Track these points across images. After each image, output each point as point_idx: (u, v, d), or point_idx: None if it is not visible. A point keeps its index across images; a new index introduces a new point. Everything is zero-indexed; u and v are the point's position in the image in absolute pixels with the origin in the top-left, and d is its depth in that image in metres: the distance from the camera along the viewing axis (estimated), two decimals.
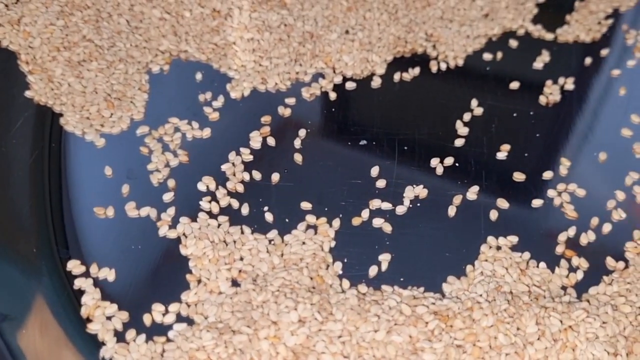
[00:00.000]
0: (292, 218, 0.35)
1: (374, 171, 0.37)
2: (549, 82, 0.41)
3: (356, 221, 0.35)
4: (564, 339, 0.30)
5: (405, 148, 0.38)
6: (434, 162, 0.37)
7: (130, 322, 0.32)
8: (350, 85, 0.41)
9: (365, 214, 0.35)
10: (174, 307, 0.32)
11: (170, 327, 0.31)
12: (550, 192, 0.36)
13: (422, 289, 0.33)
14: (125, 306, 0.32)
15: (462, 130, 0.39)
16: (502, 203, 0.36)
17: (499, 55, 0.43)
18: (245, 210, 0.35)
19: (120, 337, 0.31)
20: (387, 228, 0.35)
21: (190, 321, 0.32)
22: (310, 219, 0.35)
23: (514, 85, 0.41)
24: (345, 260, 0.34)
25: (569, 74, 0.42)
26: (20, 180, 0.36)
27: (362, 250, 0.34)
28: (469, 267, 0.33)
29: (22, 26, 0.41)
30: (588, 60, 0.43)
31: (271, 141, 0.38)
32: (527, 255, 0.34)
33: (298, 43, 0.42)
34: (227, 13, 0.43)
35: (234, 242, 0.34)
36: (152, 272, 0.33)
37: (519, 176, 0.37)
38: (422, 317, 0.31)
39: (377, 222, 0.35)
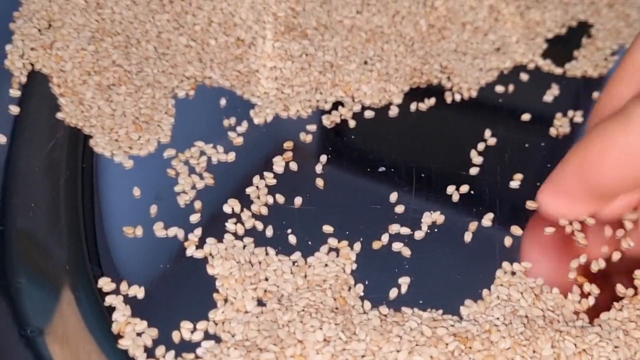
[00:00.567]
0: (315, 240, 0.36)
1: (393, 197, 0.38)
2: (558, 115, 0.43)
3: (376, 245, 0.37)
4: None
5: (423, 175, 0.40)
6: (450, 189, 0.39)
7: (160, 338, 0.33)
8: (368, 114, 0.42)
9: (385, 238, 0.37)
10: (201, 324, 0.33)
11: (198, 344, 0.33)
12: (562, 221, 0.38)
13: (440, 311, 0.34)
14: (154, 323, 0.33)
15: (477, 159, 0.40)
16: (516, 230, 0.37)
17: (511, 87, 0.44)
18: (269, 232, 0.37)
19: (150, 353, 0.32)
20: (407, 252, 0.36)
21: (217, 339, 0.33)
22: (332, 241, 0.36)
23: (526, 117, 0.43)
24: (367, 283, 0.35)
25: (577, 107, 0.44)
26: (53, 199, 0.37)
27: (383, 273, 0.35)
28: (485, 291, 0.35)
29: (54, 50, 0.42)
30: (595, 95, 0.45)
31: (293, 166, 0.40)
32: (540, 280, 0.35)
33: (319, 72, 0.43)
34: (251, 42, 0.44)
35: (259, 262, 0.35)
36: (180, 291, 0.35)
37: (531, 204, 0.38)
38: (442, 338, 0.32)
39: (397, 246, 0.36)
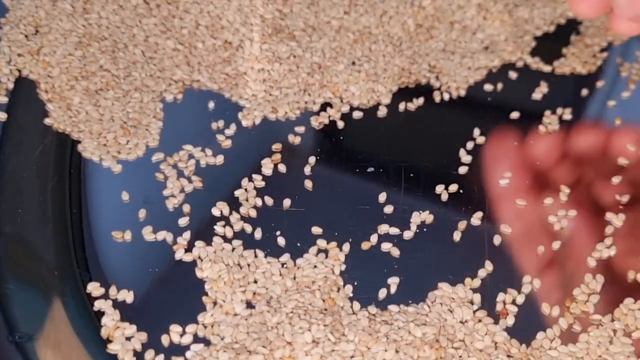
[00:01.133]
0: (304, 242, 0.36)
1: (382, 197, 0.38)
2: (547, 112, 0.43)
3: (365, 245, 0.36)
4: None
5: (411, 175, 0.40)
6: (439, 188, 0.39)
7: (149, 342, 0.33)
8: (357, 115, 0.42)
9: (374, 238, 0.37)
10: (191, 328, 0.33)
11: (187, 347, 0.33)
12: (551, 218, 0.38)
13: (429, 310, 0.34)
14: (143, 327, 0.33)
15: (466, 158, 0.40)
16: (506, 228, 0.37)
17: (499, 86, 0.44)
18: (258, 234, 0.37)
19: (139, 357, 0.32)
20: (395, 252, 0.36)
21: (207, 342, 0.33)
22: (321, 243, 0.36)
23: (515, 115, 0.43)
24: (356, 283, 0.35)
25: (566, 104, 0.44)
26: (41, 205, 0.37)
27: (372, 274, 0.35)
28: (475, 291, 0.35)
29: (41, 56, 0.42)
30: (584, 92, 0.45)
31: (282, 168, 0.40)
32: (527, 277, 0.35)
33: (307, 74, 0.43)
34: (238, 44, 0.44)
35: (248, 265, 0.35)
36: (169, 294, 0.35)
37: (521, 202, 0.38)
38: (431, 337, 0.32)
39: (386, 246, 0.36)
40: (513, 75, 0.45)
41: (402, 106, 0.43)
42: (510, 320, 0.34)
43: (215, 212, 0.37)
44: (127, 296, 0.34)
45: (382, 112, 0.43)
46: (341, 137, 0.42)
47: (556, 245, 0.36)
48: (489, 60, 0.46)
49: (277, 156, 0.40)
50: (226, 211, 0.37)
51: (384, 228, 0.37)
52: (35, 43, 0.43)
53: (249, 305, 0.34)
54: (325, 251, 0.36)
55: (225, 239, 0.36)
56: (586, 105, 0.44)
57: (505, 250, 0.37)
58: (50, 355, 0.32)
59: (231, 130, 0.41)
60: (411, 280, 0.35)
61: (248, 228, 0.37)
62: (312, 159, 0.40)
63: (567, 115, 0.43)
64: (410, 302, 0.34)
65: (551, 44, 0.47)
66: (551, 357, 0.32)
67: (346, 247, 0.36)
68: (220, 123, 0.41)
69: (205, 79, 0.43)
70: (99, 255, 0.35)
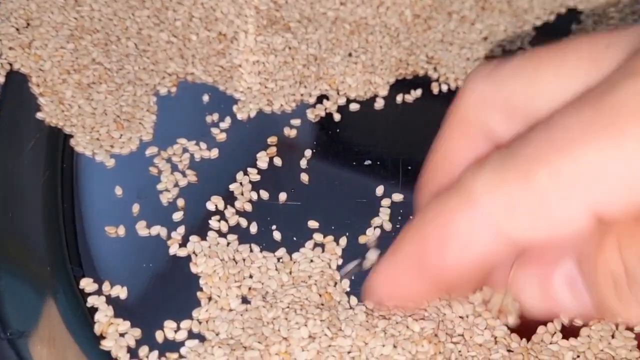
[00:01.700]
0: (300, 236, 0.36)
1: (379, 190, 0.38)
2: None
3: (363, 239, 0.36)
4: None
5: (409, 168, 0.39)
6: None
7: (143, 338, 0.32)
8: (353, 107, 0.42)
9: (371, 232, 0.36)
10: (185, 324, 0.33)
11: (182, 343, 0.32)
12: None
13: (428, 304, 0.33)
14: (137, 323, 0.33)
15: None
16: None
17: None
18: (253, 229, 0.36)
19: (133, 353, 0.32)
20: None
21: (201, 338, 0.32)
22: (318, 237, 0.36)
23: None
24: (353, 278, 0.34)
25: None
26: (33, 200, 0.36)
27: (369, 268, 0.35)
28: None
29: (32, 49, 0.41)
30: None
31: (278, 161, 0.39)
32: None
33: (302, 66, 0.43)
34: (233, 36, 0.44)
35: (244, 260, 0.35)
36: (163, 290, 0.34)
37: None
38: (429, 331, 0.32)
39: (383, 240, 0.36)
40: None
41: (399, 98, 0.42)
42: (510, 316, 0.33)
43: (210, 206, 0.37)
44: (121, 292, 0.34)
45: (379, 104, 0.42)
46: (338, 130, 0.41)
47: None
48: (488, 51, 0.45)
49: (273, 149, 0.39)
50: (221, 205, 0.37)
51: (381, 221, 0.36)
52: (26, 36, 0.42)
53: (245, 300, 0.33)
54: (322, 245, 0.36)
55: (220, 234, 0.36)
56: None
57: None
58: (43, 352, 0.32)
59: (226, 123, 0.40)
60: None
61: (243, 222, 0.36)
62: (308, 152, 0.39)
63: None
64: None
65: (551, 34, 0.47)
66: (552, 352, 0.32)
67: (343, 241, 0.36)
68: (215, 116, 0.41)
69: (200, 71, 0.42)
70: (92, 250, 0.35)
